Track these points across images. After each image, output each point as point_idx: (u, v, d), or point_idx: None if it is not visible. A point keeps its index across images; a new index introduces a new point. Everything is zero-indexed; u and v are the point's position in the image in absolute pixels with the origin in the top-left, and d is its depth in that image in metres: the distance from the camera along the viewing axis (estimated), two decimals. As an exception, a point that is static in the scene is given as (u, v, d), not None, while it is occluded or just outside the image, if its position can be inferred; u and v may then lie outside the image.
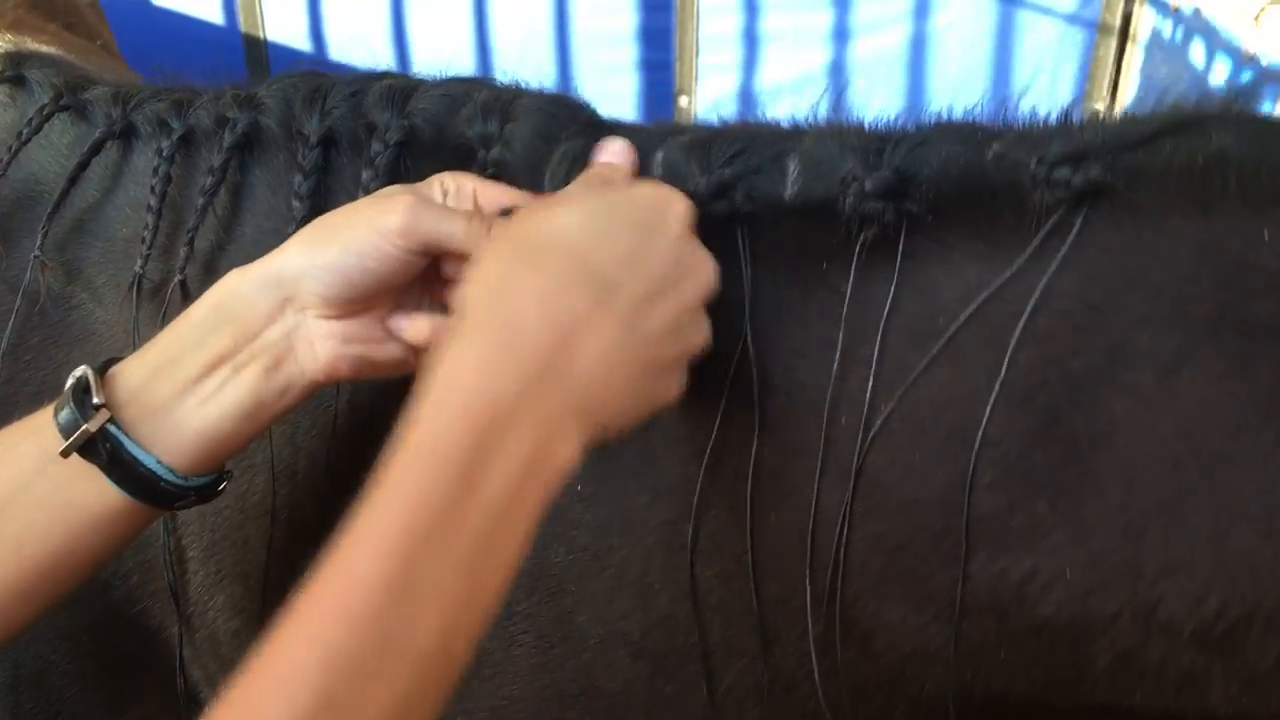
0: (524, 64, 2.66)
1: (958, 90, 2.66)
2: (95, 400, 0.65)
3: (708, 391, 0.68)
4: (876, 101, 2.69)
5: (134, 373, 0.67)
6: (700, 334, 0.64)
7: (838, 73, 2.69)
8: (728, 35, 2.67)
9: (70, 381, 0.67)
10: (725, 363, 0.68)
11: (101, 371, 0.67)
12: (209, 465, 0.68)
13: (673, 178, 0.69)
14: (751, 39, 2.69)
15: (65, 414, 0.66)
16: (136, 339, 0.84)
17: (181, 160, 0.86)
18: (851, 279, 0.67)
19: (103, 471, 0.66)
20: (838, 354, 0.67)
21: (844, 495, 0.67)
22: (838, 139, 0.68)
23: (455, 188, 0.71)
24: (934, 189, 0.66)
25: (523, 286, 0.59)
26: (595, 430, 0.59)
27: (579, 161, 0.72)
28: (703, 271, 0.64)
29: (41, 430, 0.66)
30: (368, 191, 0.77)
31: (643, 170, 0.71)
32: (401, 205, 0.66)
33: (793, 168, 0.68)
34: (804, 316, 0.68)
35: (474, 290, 0.60)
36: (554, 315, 0.58)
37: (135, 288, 0.84)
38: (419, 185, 0.71)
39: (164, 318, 0.82)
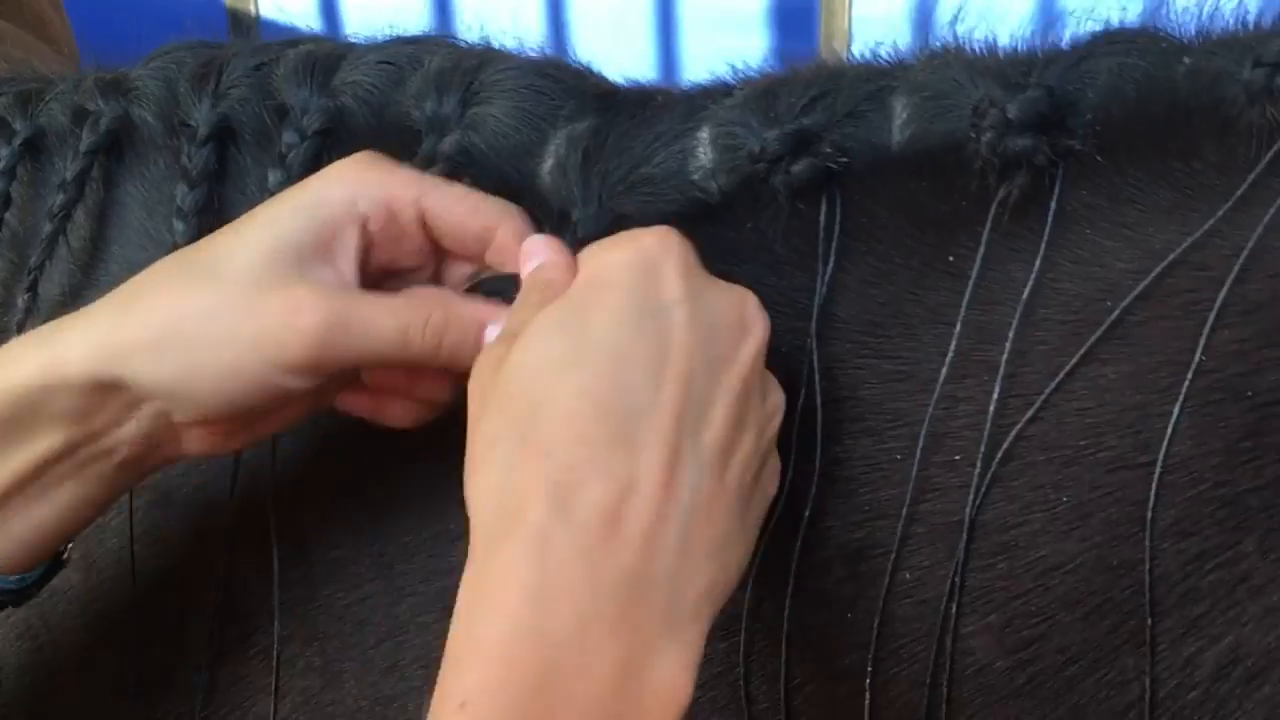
0: (613, 52, 2.15)
1: None
2: None
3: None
4: None
5: None
6: (775, 476, 0.62)
7: None
8: (890, 17, 2.49)
9: None
10: (791, 390, 0.64)
11: None
12: (38, 559, 0.67)
13: (730, 149, 0.66)
14: (922, 22, 2.49)
15: None
16: None
17: (28, 175, 0.81)
18: (981, 254, 0.62)
19: None
20: (949, 359, 0.62)
21: (950, 569, 0.62)
22: (963, 62, 0.64)
23: (386, 211, 0.63)
24: (1103, 117, 0.61)
25: (536, 464, 0.56)
26: (695, 630, 0.55)
27: (592, 156, 0.67)
28: (774, 404, 0.61)
29: None
30: (275, 189, 0.71)
31: (687, 157, 0.67)
32: (305, 332, 0.60)
33: (900, 106, 0.64)
34: (909, 318, 0.64)
35: (478, 493, 0.57)
36: (595, 507, 0.54)
37: None
38: (309, 203, 0.63)
39: None
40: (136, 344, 0.62)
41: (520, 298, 0.63)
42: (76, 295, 0.78)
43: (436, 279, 0.67)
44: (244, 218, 0.64)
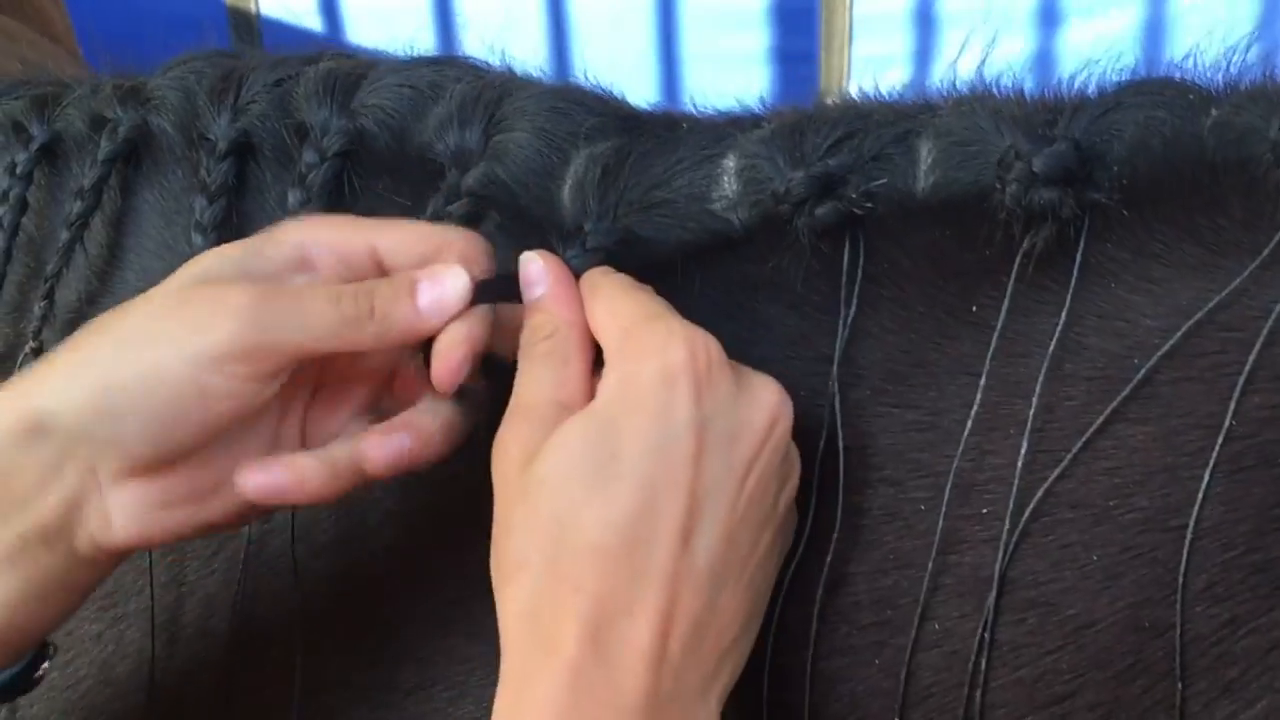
0: (614, 49, 2.50)
1: None
2: None
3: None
4: None
5: None
6: (791, 532, 0.63)
7: (1042, 68, 2.45)
8: (892, 15, 2.48)
9: None
10: (810, 435, 0.64)
11: None
12: (4, 655, 0.63)
13: (754, 184, 0.64)
14: (925, 21, 2.48)
15: None
16: None
17: (44, 179, 0.80)
18: (1006, 305, 0.61)
19: None
20: (975, 412, 0.61)
21: (979, 622, 0.62)
22: (989, 109, 0.63)
23: (336, 256, 0.62)
24: (1129, 170, 0.60)
25: (568, 599, 0.56)
26: (710, 712, 0.58)
27: (612, 173, 0.66)
28: (792, 475, 0.61)
29: None
30: (295, 210, 0.71)
31: (710, 185, 0.66)
32: (231, 312, 0.57)
33: (926, 151, 0.62)
34: (932, 366, 0.63)
35: (509, 614, 0.57)
36: (628, 645, 0.55)
37: None
38: (257, 243, 0.62)
39: None
40: (55, 374, 0.59)
41: (523, 348, 0.62)
42: (93, 302, 0.78)
43: None
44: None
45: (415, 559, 0.71)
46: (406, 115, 0.71)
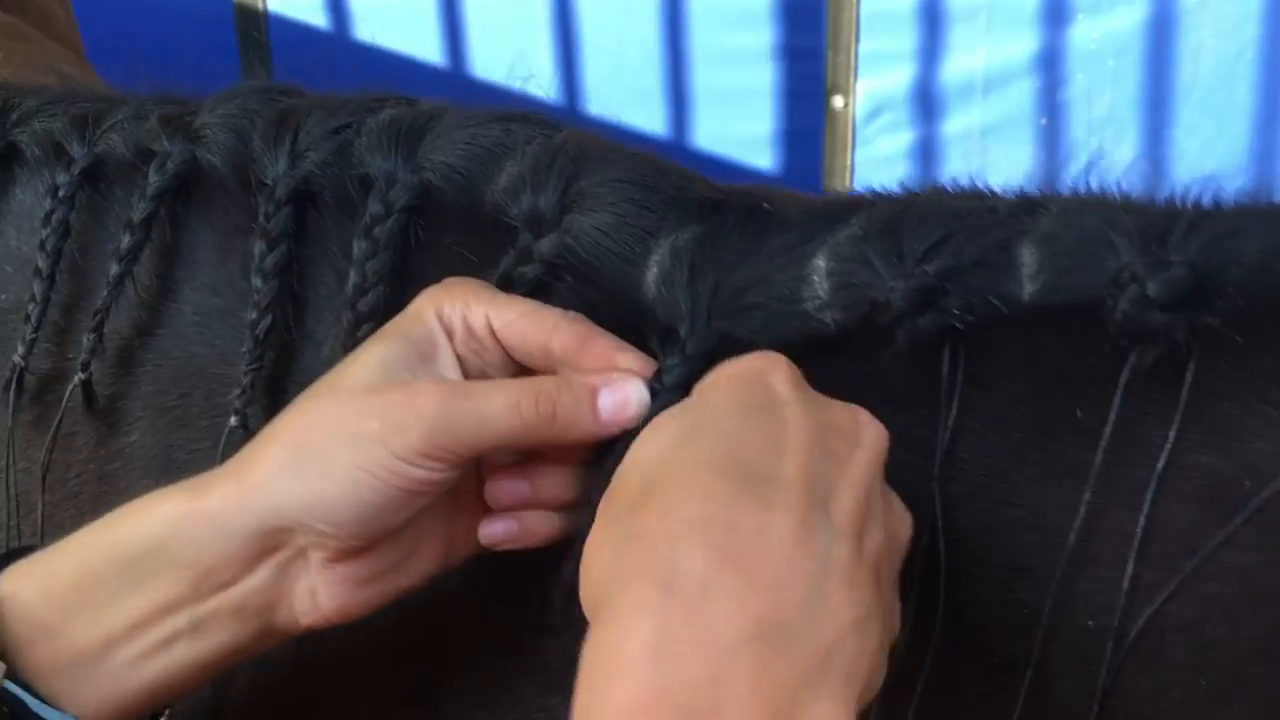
0: (621, 45, 2.51)
1: (1212, 93, 2.43)
2: None
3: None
4: (1100, 107, 2.48)
5: (39, 601, 0.64)
6: (897, 615, 0.59)
7: (1049, 66, 2.44)
8: (899, 13, 2.44)
9: None
10: (910, 546, 0.62)
11: None
12: (133, 714, 0.65)
13: (849, 288, 0.63)
14: (931, 18, 2.44)
15: None
16: (12, 455, 0.81)
17: (86, 203, 0.80)
18: (1113, 416, 0.59)
19: None
20: (1079, 523, 0.59)
21: None
22: (1098, 215, 0.60)
23: (465, 326, 0.65)
24: (1247, 296, 0.58)
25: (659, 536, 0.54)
26: (847, 693, 0.51)
27: (699, 270, 0.65)
28: (902, 520, 0.60)
29: None
30: (364, 272, 0.71)
31: (801, 286, 0.64)
32: (423, 415, 0.61)
33: (1029, 259, 0.61)
34: (1034, 467, 0.62)
35: (591, 577, 0.57)
36: (720, 555, 0.52)
37: (13, 384, 0.80)
38: (407, 326, 0.66)
39: (57, 429, 0.80)
40: (271, 468, 0.63)
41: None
42: (145, 334, 0.78)
43: None
44: (352, 353, 0.66)
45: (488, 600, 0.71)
46: (475, 173, 0.71)
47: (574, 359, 0.64)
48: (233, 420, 0.74)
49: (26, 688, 0.62)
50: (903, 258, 0.62)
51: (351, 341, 0.71)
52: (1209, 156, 2.46)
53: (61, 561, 0.65)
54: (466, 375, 0.66)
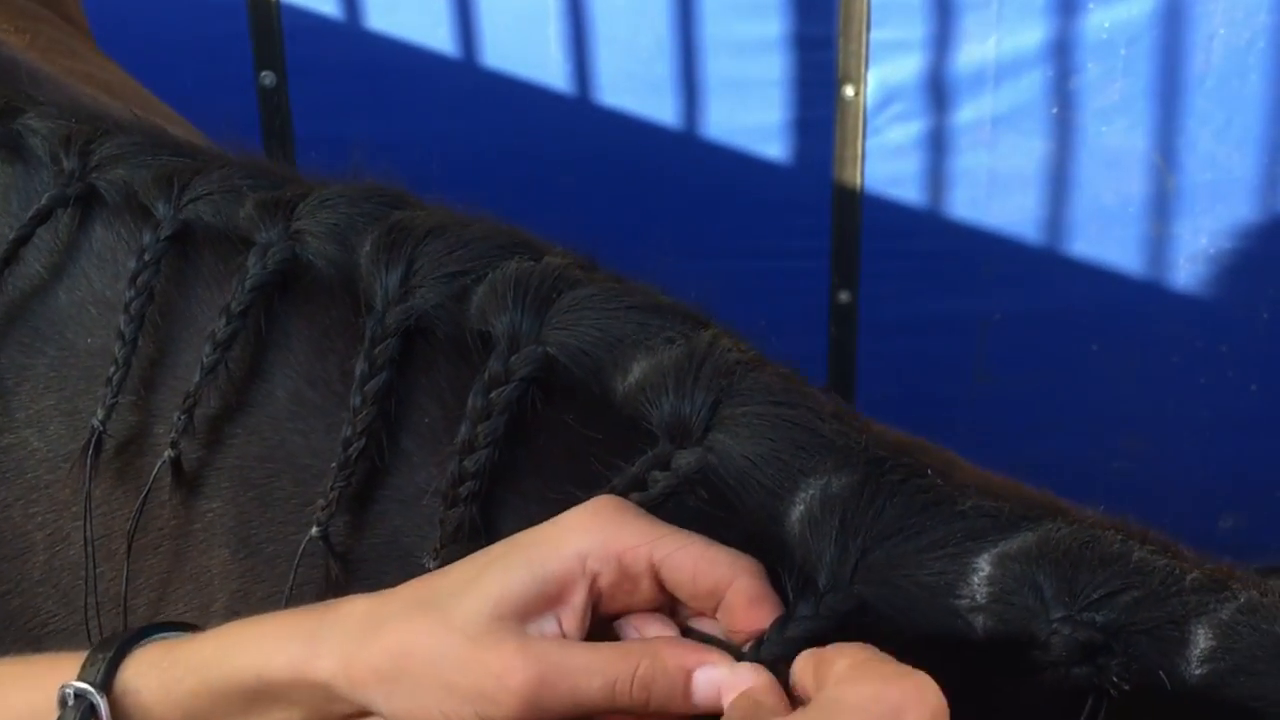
0: (632, 36, 2.50)
1: (1224, 82, 2.44)
2: None
3: None
4: (1112, 96, 2.47)
5: (157, 704, 0.68)
6: None
7: (1062, 54, 2.44)
8: (910, 2, 2.44)
9: (68, 699, 0.68)
10: None
11: (105, 684, 0.68)
12: None
13: (1008, 605, 0.59)
14: (942, 7, 2.44)
15: None
16: (89, 522, 0.79)
17: (170, 265, 0.80)
18: None
19: None
20: None
21: None
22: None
23: (618, 566, 0.63)
24: None
25: None
26: None
27: (850, 526, 0.62)
28: None
29: None
30: (476, 432, 0.70)
31: (958, 581, 0.60)
32: (515, 693, 0.61)
33: (1203, 638, 0.58)
34: None
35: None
36: None
37: (91, 448, 0.79)
38: (543, 557, 0.64)
39: (142, 503, 0.79)
40: (373, 674, 0.64)
41: None
42: (234, 414, 0.78)
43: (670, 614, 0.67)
44: (483, 557, 0.65)
45: None
46: (604, 360, 0.70)
47: (733, 622, 0.63)
48: (314, 530, 0.74)
49: None
50: (1074, 595, 0.59)
51: (454, 495, 0.70)
52: (1220, 146, 2.46)
53: (183, 671, 0.68)
54: (598, 611, 0.65)
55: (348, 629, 0.65)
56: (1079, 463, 2.62)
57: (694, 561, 0.63)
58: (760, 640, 0.62)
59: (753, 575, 0.64)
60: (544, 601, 0.63)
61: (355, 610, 0.66)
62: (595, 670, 0.62)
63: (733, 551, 0.64)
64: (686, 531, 0.64)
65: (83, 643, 0.81)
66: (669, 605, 0.66)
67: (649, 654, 0.62)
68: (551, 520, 0.65)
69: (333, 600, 0.68)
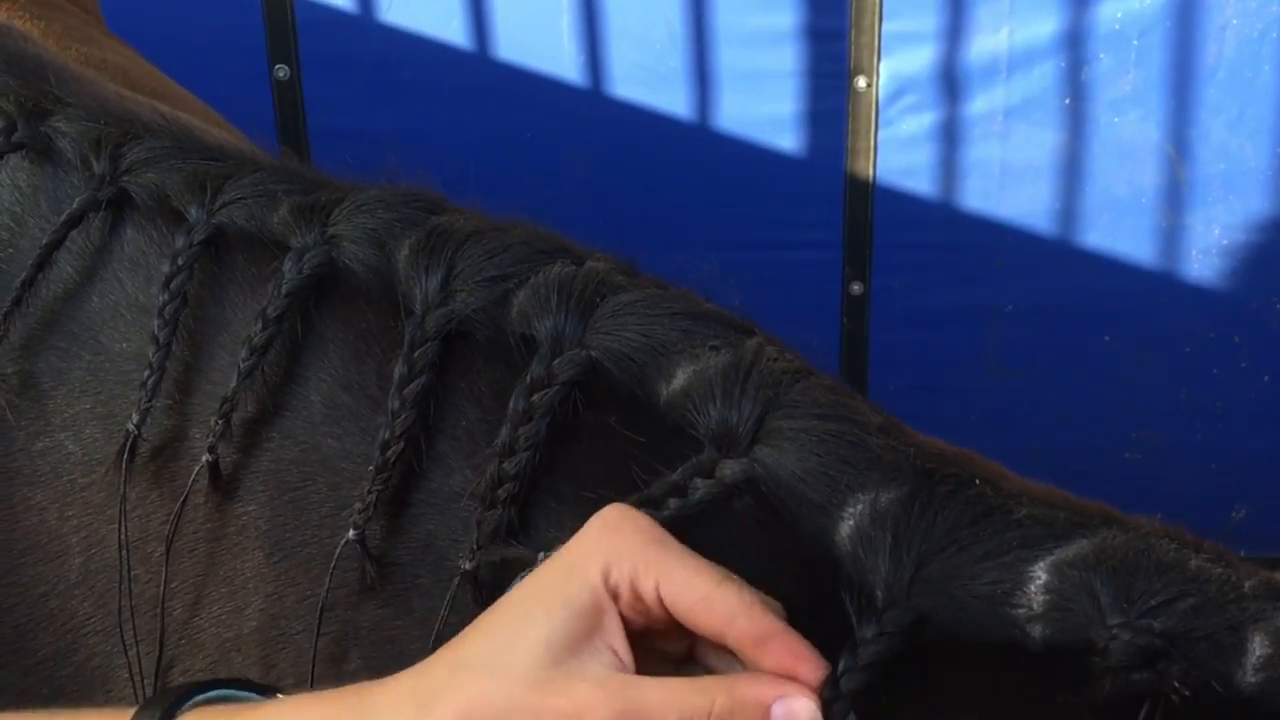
0: (644, 28, 2.49)
1: (1237, 73, 2.42)
2: None
3: None
4: (1125, 86, 2.45)
5: None
6: None
7: (1074, 45, 2.43)
8: None
9: None
10: None
11: None
12: None
13: (1066, 613, 0.59)
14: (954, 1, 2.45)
15: None
16: (124, 525, 0.79)
17: (204, 268, 0.80)
18: None
19: None
20: None
21: None
22: None
23: (632, 589, 0.63)
24: None
25: None
26: None
27: (902, 540, 0.61)
28: None
29: None
30: (517, 435, 0.69)
31: (1014, 590, 0.60)
32: (598, 717, 0.59)
33: (1259, 645, 0.58)
34: None
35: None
36: None
37: (126, 452, 0.79)
38: (572, 591, 0.62)
39: (181, 507, 0.79)
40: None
41: None
42: (269, 419, 0.78)
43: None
44: (509, 612, 0.64)
45: None
46: (648, 365, 0.69)
47: (750, 655, 0.62)
48: (351, 534, 0.74)
49: None
50: (1132, 602, 0.59)
51: (492, 497, 0.70)
52: (1233, 137, 2.45)
53: None
54: (631, 632, 0.64)
55: (401, 711, 0.63)
56: (1091, 453, 2.62)
57: (697, 605, 0.62)
58: (837, 673, 0.61)
59: (755, 612, 0.62)
60: (590, 633, 0.62)
61: (399, 689, 0.64)
62: (670, 705, 0.60)
63: (736, 592, 0.62)
64: (697, 564, 0.63)
65: (116, 645, 0.82)
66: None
67: (724, 689, 0.61)
68: (565, 547, 0.64)
69: (361, 685, 0.66)
